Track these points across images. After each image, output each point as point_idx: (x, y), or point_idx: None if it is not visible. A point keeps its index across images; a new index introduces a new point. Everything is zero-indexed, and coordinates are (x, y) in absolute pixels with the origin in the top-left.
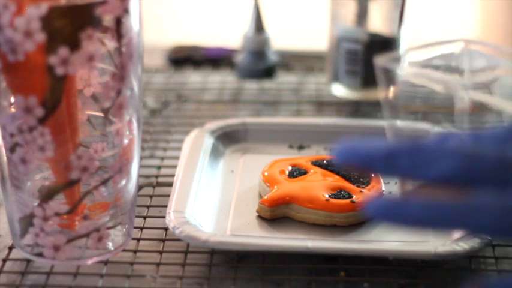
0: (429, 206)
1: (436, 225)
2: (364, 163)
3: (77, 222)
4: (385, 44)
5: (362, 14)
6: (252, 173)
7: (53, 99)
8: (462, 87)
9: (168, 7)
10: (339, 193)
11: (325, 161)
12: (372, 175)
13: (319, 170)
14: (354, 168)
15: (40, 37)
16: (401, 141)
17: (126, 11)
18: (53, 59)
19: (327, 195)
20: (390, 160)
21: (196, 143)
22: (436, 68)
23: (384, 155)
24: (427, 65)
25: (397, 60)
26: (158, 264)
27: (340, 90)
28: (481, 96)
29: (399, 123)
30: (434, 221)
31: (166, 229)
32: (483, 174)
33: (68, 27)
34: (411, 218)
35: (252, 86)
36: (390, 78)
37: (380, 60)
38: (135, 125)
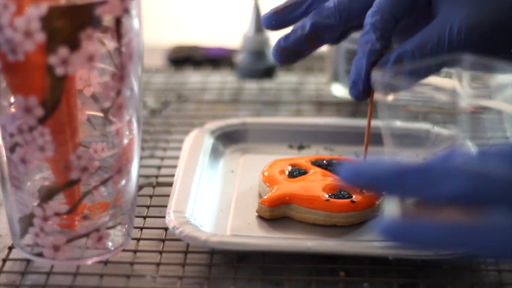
0: (439, 227)
1: (445, 247)
2: (370, 183)
3: (77, 222)
4: None
5: None
6: (252, 173)
7: (53, 99)
8: (462, 97)
9: (168, 7)
10: (339, 193)
11: (325, 161)
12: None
13: (319, 170)
14: (360, 187)
15: (40, 37)
16: (408, 161)
17: (126, 11)
18: (53, 59)
19: (327, 195)
20: (398, 180)
21: (196, 143)
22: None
23: (391, 175)
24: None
25: (396, 73)
26: (158, 264)
27: (340, 90)
28: (481, 102)
29: (397, 123)
30: (444, 243)
31: (166, 229)
32: (493, 194)
33: (68, 27)
34: (421, 239)
35: (252, 86)
36: (389, 90)
37: (378, 75)
38: (135, 125)
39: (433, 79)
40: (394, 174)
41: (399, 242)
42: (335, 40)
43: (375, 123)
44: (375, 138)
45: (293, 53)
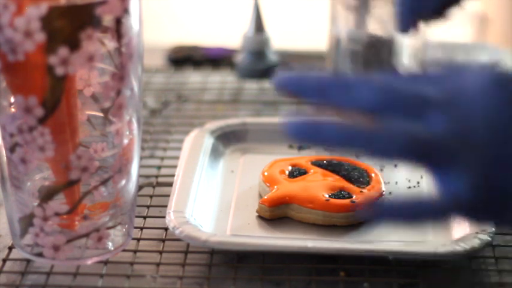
0: (340, 128)
1: (343, 146)
2: (297, 91)
3: (77, 222)
4: (385, 44)
5: (362, 14)
6: (252, 173)
7: (53, 99)
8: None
9: (168, 7)
10: (339, 193)
11: (325, 161)
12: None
13: (319, 170)
14: (288, 94)
15: (40, 37)
16: (333, 74)
17: (126, 11)
18: (53, 59)
19: (326, 195)
20: (321, 89)
21: (196, 143)
22: None
23: (316, 84)
24: None
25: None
26: (158, 264)
27: None
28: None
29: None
30: (342, 142)
31: (166, 229)
32: (397, 106)
33: (68, 27)
34: (322, 137)
35: (252, 86)
36: None
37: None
38: (135, 125)
39: None
40: (319, 84)
41: (302, 139)
42: None
43: None
44: None
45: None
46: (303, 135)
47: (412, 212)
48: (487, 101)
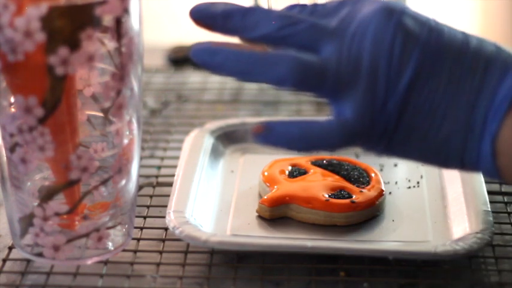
0: (235, 52)
1: (235, 69)
2: (206, 16)
3: (77, 222)
4: None
5: None
6: (252, 173)
7: (53, 99)
8: None
9: (168, 7)
10: (339, 193)
11: (325, 161)
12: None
13: (319, 170)
14: (200, 23)
15: (40, 37)
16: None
17: (126, 11)
18: (53, 59)
19: (326, 195)
20: (225, 15)
21: (196, 143)
22: None
23: (222, 13)
24: None
25: None
26: (158, 264)
27: None
28: None
29: None
30: (235, 65)
31: (166, 229)
32: (293, 34)
33: (68, 27)
34: (218, 60)
35: (252, 86)
36: None
37: None
38: (135, 125)
39: None
40: (225, 13)
41: (200, 63)
42: None
43: None
44: None
45: None
46: (201, 57)
47: (302, 138)
48: (374, 29)
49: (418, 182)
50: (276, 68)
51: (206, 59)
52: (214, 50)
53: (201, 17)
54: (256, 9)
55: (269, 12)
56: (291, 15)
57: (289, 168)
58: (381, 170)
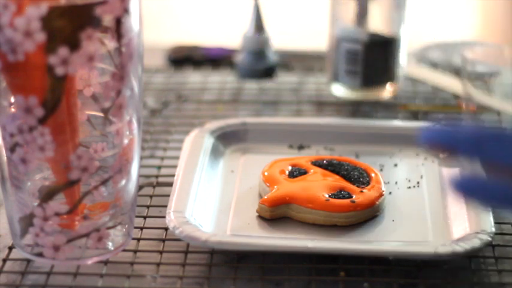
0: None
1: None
2: (450, 145)
3: (77, 222)
4: (385, 44)
5: (362, 14)
6: (252, 173)
7: (53, 99)
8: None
9: (168, 7)
10: (339, 193)
11: (325, 161)
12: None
13: (319, 170)
14: (439, 149)
15: (40, 37)
16: (485, 127)
17: (126, 11)
18: (53, 59)
19: (327, 195)
20: (476, 143)
21: (196, 143)
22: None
23: (471, 138)
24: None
25: None
26: (158, 264)
27: (340, 90)
28: (481, 98)
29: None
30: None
31: (166, 229)
32: None
33: (68, 27)
34: (494, 196)
35: (252, 86)
36: None
37: None
38: (135, 125)
39: (436, 77)
40: (474, 138)
41: (470, 196)
42: None
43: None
44: (375, 138)
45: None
46: (473, 194)
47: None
48: None
49: (418, 182)
50: None
51: (476, 192)
52: (481, 183)
53: (445, 144)
54: (510, 133)
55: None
56: None
57: (289, 168)
58: (381, 170)
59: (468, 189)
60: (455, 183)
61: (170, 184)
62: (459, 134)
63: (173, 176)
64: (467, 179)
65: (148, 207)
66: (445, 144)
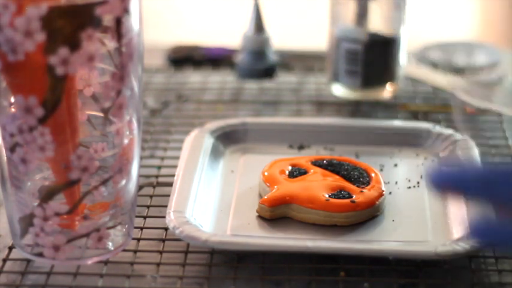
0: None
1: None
2: (459, 187)
3: (77, 222)
4: (385, 43)
5: (362, 14)
6: (252, 173)
7: (53, 99)
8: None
9: (169, 7)
10: (339, 193)
11: (325, 161)
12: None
13: (319, 170)
14: (448, 192)
15: (40, 37)
16: (492, 166)
17: (126, 11)
18: (53, 59)
19: (327, 195)
20: (485, 184)
21: (196, 143)
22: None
23: (480, 180)
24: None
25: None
26: (158, 264)
27: (340, 90)
28: (481, 103)
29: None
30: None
31: (166, 229)
32: None
33: (68, 27)
34: (507, 239)
35: (252, 86)
36: None
37: None
38: (135, 125)
39: (436, 77)
40: (483, 179)
41: (489, 241)
42: None
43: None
44: (375, 138)
45: None
46: (491, 239)
47: None
48: None
49: (418, 182)
50: None
51: (492, 236)
52: (498, 226)
53: (454, 186)
54: None
55: None
56: None
57: (289, 168)
58: (381, 170)
59: (483, 235)
60: (473, 229)
61: (170, 184)
62: (467, 175)
63: (173, 176)
64: (481, 224)
65: (148, 207)
66: (454, 187)
